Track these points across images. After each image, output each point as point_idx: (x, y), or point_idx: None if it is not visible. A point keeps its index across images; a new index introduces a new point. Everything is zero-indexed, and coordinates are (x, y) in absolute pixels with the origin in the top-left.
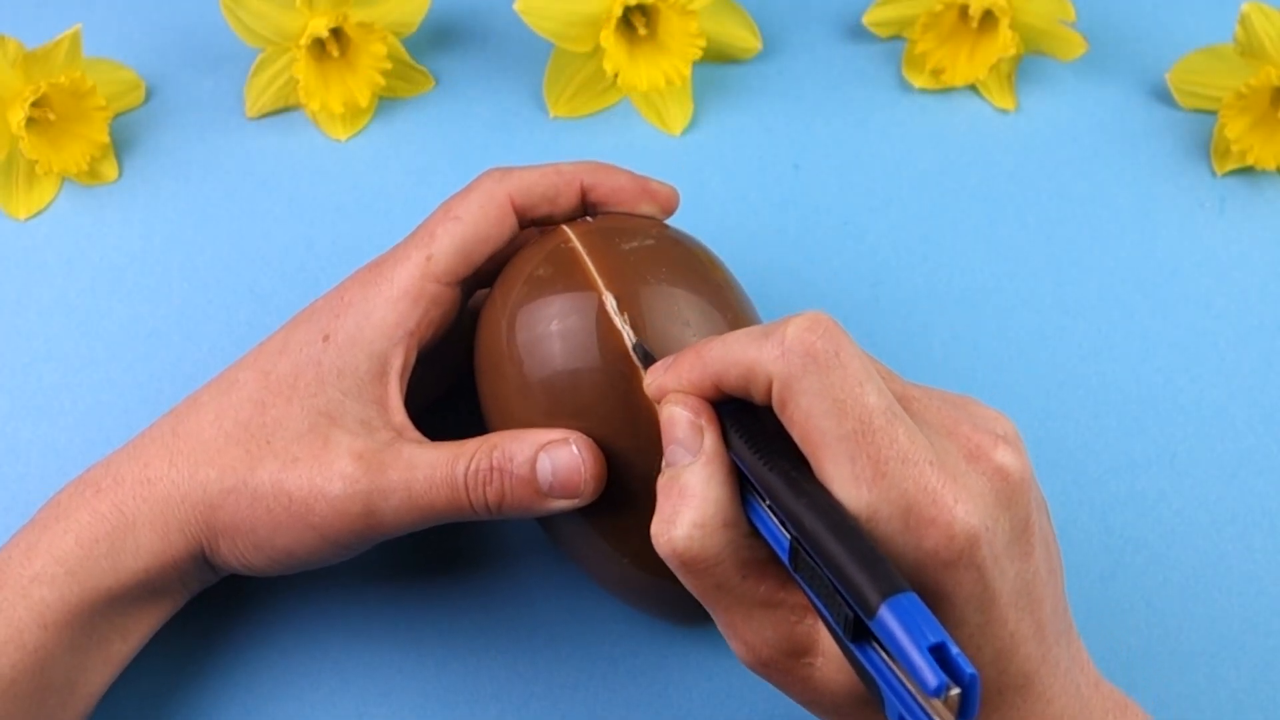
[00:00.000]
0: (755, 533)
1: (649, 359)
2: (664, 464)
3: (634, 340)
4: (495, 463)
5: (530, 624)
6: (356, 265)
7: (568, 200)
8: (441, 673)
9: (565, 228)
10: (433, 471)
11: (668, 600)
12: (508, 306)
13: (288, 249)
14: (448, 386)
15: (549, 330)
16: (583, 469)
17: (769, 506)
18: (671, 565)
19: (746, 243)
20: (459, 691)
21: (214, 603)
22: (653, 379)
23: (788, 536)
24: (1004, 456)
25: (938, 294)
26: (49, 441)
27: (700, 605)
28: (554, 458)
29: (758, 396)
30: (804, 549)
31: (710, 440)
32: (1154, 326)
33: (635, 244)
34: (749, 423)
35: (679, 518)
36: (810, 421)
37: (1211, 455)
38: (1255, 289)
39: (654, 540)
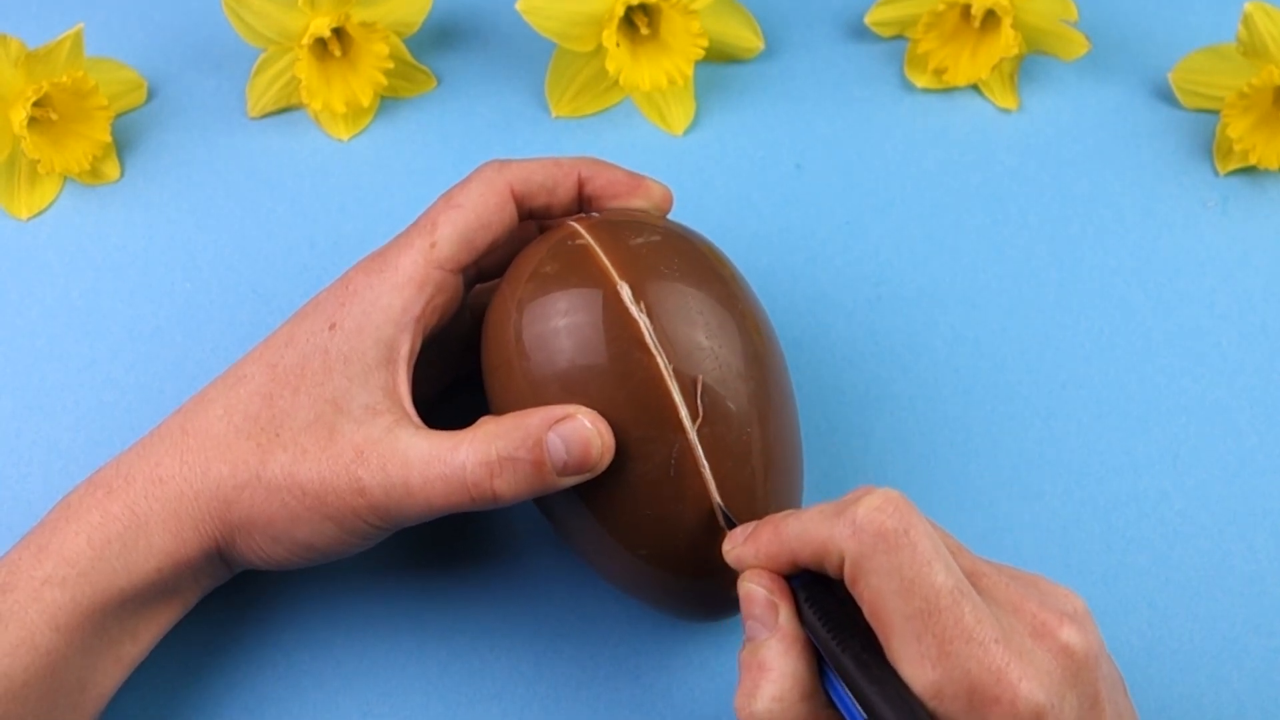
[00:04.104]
0: (833, 703)
1: (730, 521)
2: (744, 638)
3: (719, 500)
4: (501, 453)
5: (533, 624)
6: None
7: (566, 191)
8: (444, 673)
9: (571, 222)
10: (428, 469)
11: (680, 596)
12: (516, 301)
13: (290, 248)
14: (449, 381)
15: (562, 324)
16: (599, 441)
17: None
18: None
19: (749, 242)
20: (462, 691)
21: (218, 604)
22: (731, 547)
23: (863, 716)
24: (1069, 634)
25: (940, 293)
26: (52, 441)
27: (710, 604)
28: (564, 434)
29: (831, 572)
30: None
31: (785, 617)
32: (1156, 326)
33: (642, 239)
34: (822, 596)
35: (759, 691)
36: (880, 600)
37: (1214, 455)
38: (1258, 289)
39: (737, 713)
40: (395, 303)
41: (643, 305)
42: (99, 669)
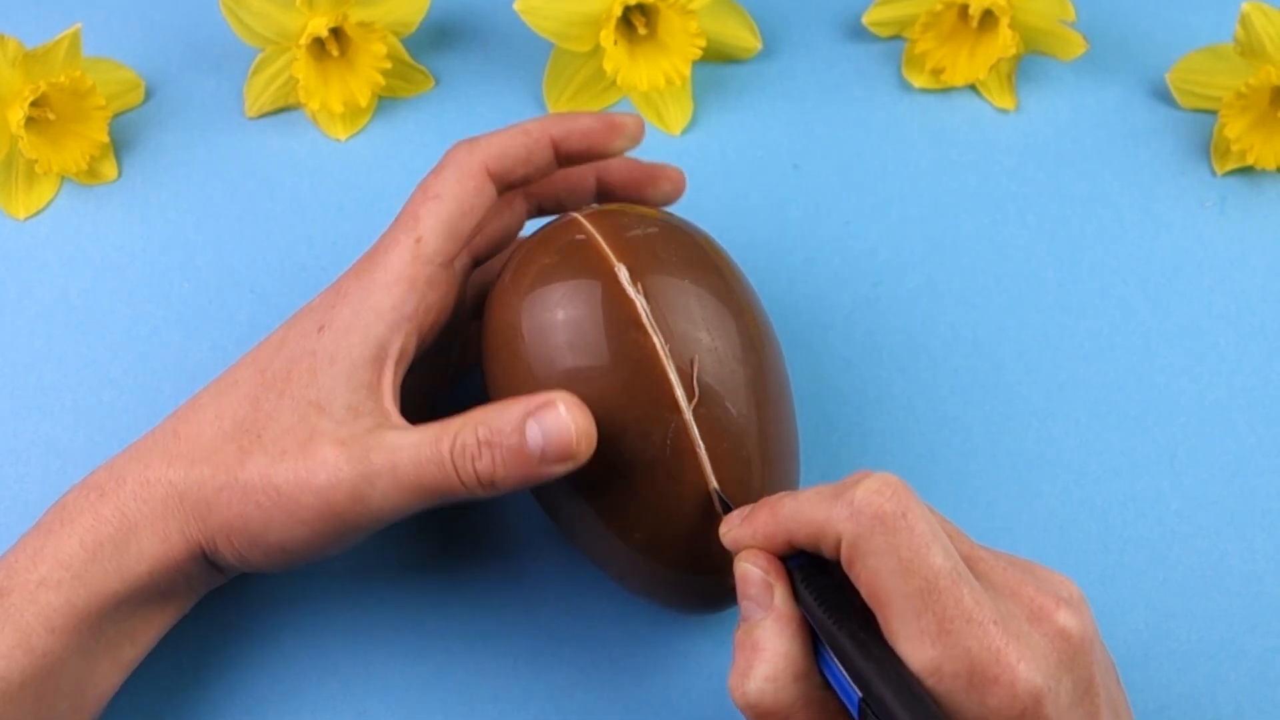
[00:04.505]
0: (828, 684)
1: (726, 505)
2: (740, 618)
3: (714, 484)
4: (482, 436)
5: (531, 625)
6: None
7: (542, 157)
8: (441, 673)
9: (573, 214)
10: (417, 451)
11: (674, 588)
12: (518, 292)
13: (288, 248)
14: (454, 379)
15: (561, 311)
16: (573, 428)
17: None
18: (747, 717)
19: (747, 242)
20: (459, 692)
21: (215, 606)
22: (728, 529)
23: (858, 693)
24: (1066, 618)
25: (938, 294)
26: (50, 441)
27: (705, 594)
28: (542, 423)
29: (828, 553)
30: (872, 711)
31: (780, 597)
32: (1154, 326)
33: (640, 230)
34: (818, 577)
35: (752, 671)
36: (878, 580)
37: (1211, 455)
38: (1255, 289)
39: (730, 693)
40: (385, 301)
41: (640, 287)
42: (97, 671)
